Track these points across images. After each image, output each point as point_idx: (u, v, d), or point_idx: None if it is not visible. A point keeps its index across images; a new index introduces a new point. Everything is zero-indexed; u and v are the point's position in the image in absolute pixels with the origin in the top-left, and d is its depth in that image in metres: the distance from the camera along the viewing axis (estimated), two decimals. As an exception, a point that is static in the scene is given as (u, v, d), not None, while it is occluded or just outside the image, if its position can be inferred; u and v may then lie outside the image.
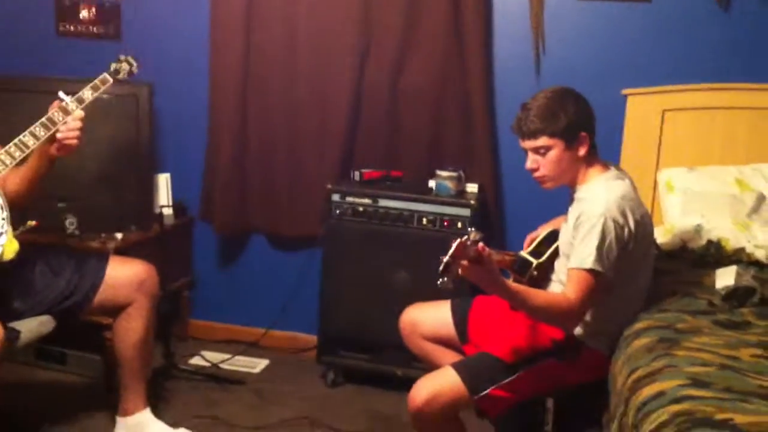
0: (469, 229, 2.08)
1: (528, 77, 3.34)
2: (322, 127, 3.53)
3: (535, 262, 2.48)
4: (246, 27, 3.52)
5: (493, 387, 2.29)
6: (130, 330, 2.75)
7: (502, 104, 3.38)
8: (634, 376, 2.00)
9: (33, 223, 2.87)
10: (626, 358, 2.15)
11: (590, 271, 2.23)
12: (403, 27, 3.38)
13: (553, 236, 2.54)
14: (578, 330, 2.36)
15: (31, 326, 2.60)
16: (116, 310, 2.75)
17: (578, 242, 2.28)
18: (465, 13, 3.31)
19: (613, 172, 2.41)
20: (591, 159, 2.40)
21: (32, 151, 2.51)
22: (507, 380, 2.30)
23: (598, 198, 2.30)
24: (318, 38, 3.48)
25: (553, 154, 2.35)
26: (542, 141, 2.34)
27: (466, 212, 3.17)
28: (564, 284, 2.33)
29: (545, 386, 2.41)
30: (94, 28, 3.76)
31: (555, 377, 2.37)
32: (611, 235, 2.25)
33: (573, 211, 2.39)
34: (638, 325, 2.29)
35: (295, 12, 3.48)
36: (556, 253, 2.50)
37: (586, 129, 2.36)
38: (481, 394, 2.28)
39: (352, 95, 3.46)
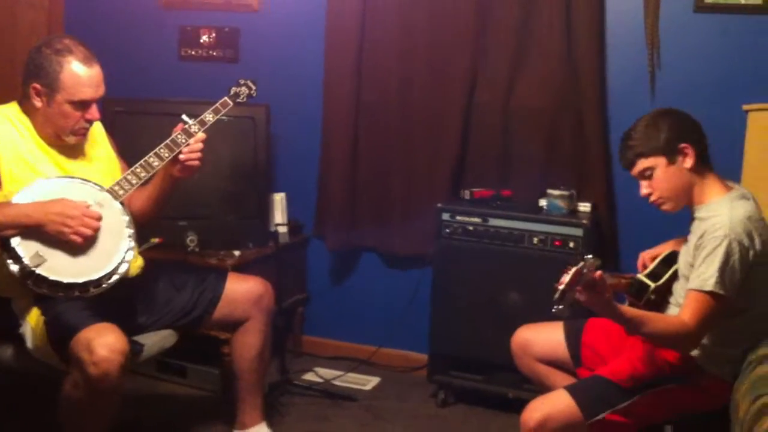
0: (586, 256, 2.05)
1: (643, 93, 3.27)
2: (433, 147, 3.55)
3: (652, 285, 2.42)
4: (359, 51, 3.59)
5: (608, 411, 2.24)
6: (248, 345, 2.82)
7: (616, 121, 3.31)
8: (759, 403, 1.92)
9: (157, 240, 3.01)
10: (750, 385, 2.06)
11: (711, 293, 2.16)
12: (516, 46, 3.38)
13: (672, 258, 2.47)
14: (697, 354, 2.28)
15: (154, 340, 2.70)
16: (234, 325, 2.83)
17: (699, 263, 2.21)
18: (578, 31, 3.28)
19: (736, 191, 2.33)
20: (705, 174, 2.33)
21: (157, 171, 2.63)
22: (623, 405, 2.25)
23: (721, 218, 2.23)
24: (430, 59, 3.51)
25: (658, 173, 2.31)
26: (643, 164, 2.32)
27: (578, 232, 3.11)
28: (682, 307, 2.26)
29: (662, 412, 2.33)
30: (214, 52, 3.91)
31: (673, 403, 2.30)
32: (735, 257, 2.17)
33: (694, 231, 2.32)
34: (763, 351, 2.20)
35: (409, 35, 3.53)
36: (674, 276, 2.43)
37: (687, 140, 2.30)
38: (596, 418, 2.23)
39: (464, 115, 3.47)
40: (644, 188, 2.36)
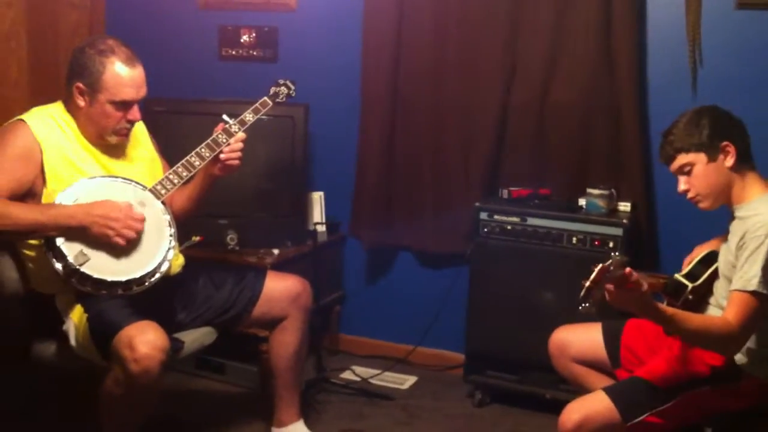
0: (613, 253, 2.04)
1: (684, 91, 3.22)
2: (469, 145, 3.55)
3: (690, 285, 2.40)
4: (396, 50, 3.59)
5: (647, 413, 2.22)
6: (286, 343, 2.84)
7: (656, 119, 3.27)
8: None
9: (197, 238, 3.04)
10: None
11: (755, 293, 2.13)
12: (551, 43, 3.36)
13: (711, 258, 2.44)
14: (739, 356, 2.25)
15: (194, 337, 2.73)
16: (272, 323, 2.85)
17: (742, 263, 2.18)
18: (616, 26, 3.24)
19: (777, 190, 2.30)
20: (746, 173, 2.31)
21: (198, 170, 2.67)
22: (662, 407, 2.23)
23: (763, 216, 2.19)
24: (465, 57, 3.50)
25: (698, 170, 2.29)
26: (682, 159, 2.30)
27: (618, 231, 3.09)
28: (723, 308, 2.24)
29: (702, 414, 2.31)
30: (254, 52, 3.94)
31: (712, 405, 2.27)
32: (778, 256, 2.14)
33: (734, 230, 2.29)
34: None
35: (444, 34, 3.52)
36: (714, 276, 2.40)
37: (729, 138, 2.28)
38: (635, 420, 2.22)
39: (500, 113, 3.46)
40: (682, 184, 2.34)
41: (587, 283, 1.94)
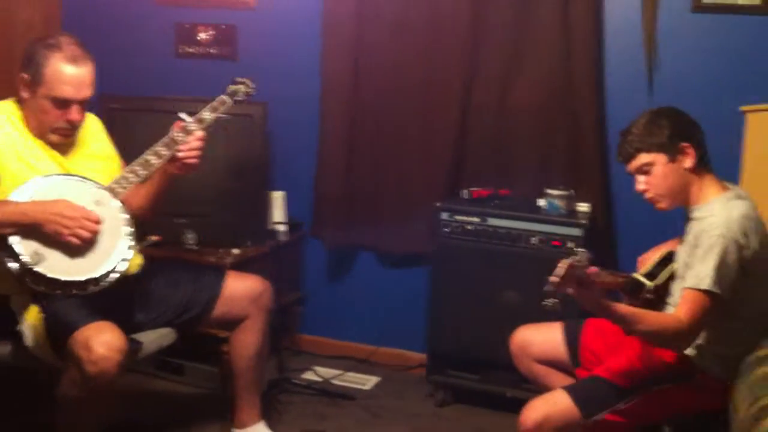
0: (577, 249, 2.06)
1: (641, 93, 3.26)
2: (430, 146, 3.55)
3: (649, 284, 2.42)
4: (356, 48, 3.58)
5: (606, 411, 2.24)
6: (246, 343, 2.82)
7: (613, 121, 3.30)
8: (759, 404, 1.93)
9: (155, 238, 3.00)
10: (749, 386, 2.07)
11: (706, 292, 2.16)
12: (511, 45, 3.38)
13: (670, 258, 2.47)
14: (692, 352, 2.29)
15: (153, 338, 2.70)
16: (232, 323, 2.83)
17: (695, 262, 2.21)
18: (574, 30, 3.27)
19: (732, 191, 2.33)
20: (703, 174, 2.34)
21: (155, 169, 2.63)
22: (621, 405, 2.25)
23: (717, 217, 2.23)
24: (427, 58, 3.51)
25: (657, 170, 2.31)
26: (642, 158, 2.32)
27: (577, 232, 3.12)
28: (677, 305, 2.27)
29: (660, 411, 2.34)
30: (212, 50, 3.89)
31: (670, 402, 2.30)
32: (731, 256, 2.18)
33: (690, 231, 2.32)
34: (762, 352, 2.20)
35: (404, 33, 3.52)
36: (672, 276, 2.43)
37: (688, 140, 2.31)
38: (595, 417, 2.24)
39: (460, 113, 3.47)
40: (640, 184, 2.36)
41: (552, 278, 1.95)
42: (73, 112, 2.52)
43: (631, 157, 2.34)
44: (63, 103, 2.50)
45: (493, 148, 3.47)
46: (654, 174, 2.32)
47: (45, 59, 2.47)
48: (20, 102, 2.55)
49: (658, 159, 2.31)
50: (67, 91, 2.49)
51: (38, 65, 2.47)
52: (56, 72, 2.47)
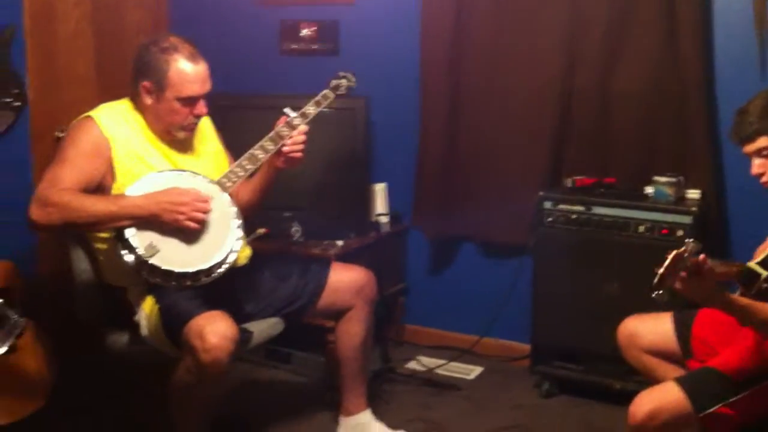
0: (687, 240, 2.00)
1: (751, 76, 3.13)
2: (531, 134, 3.51)
3: (765, 273, 2.33)
4: (455, 40, 3.58)
5: (720, 405, 2.17)
6: (351, 333, 2.86)
7: (723, 105, 3.19)
8: None
9: (263, 230, 3.06)
10: None
11: (823, 284, 2.07)
12: (614, 28, 3.30)
13: (788, 245, 2.37)
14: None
15: (262, 328, 2.76)
16: (338, 313, 2.87)
17: (813, 251, 2.12)
18: (680, 8, 3.17)
19: None
20: None
21: (262, 163, 2.70)
22: (735, 398, 2.17)
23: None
24: (526, 45, 3.47)
25: None
26: (763, 141, 2.22)
27: (686, 219, 3.02)
28: (798, 298, 2.18)
29: (772, 405, 2.26)
30: (314, 46, 3.96)
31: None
32: None
33: (808, 218, 2.23)
34: None
35: (503, 21, 3.50)
36: (789, 265, 2.33)
37: None
38: (707, 411, 2.17)
39: (562, 101, 3.42)
40: (757, 167, 2.26)
41: (661, 270, 1.90)
42: (200, 107, 2.62)
43: (749, 140, 2.25)
44: (190, 101, 2.59)
45: (596, 135, 3.40)
46: None
47: (166, 63, 2.55)
48: (139, 105, 2.64)
49: None
50: (194, 89, 2.58)
51: (160, 70, 2.55)
52: (180, 73, 2.56)
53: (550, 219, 3.24)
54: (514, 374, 3.57)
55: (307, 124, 2.75)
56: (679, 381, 2.23)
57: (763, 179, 2.27)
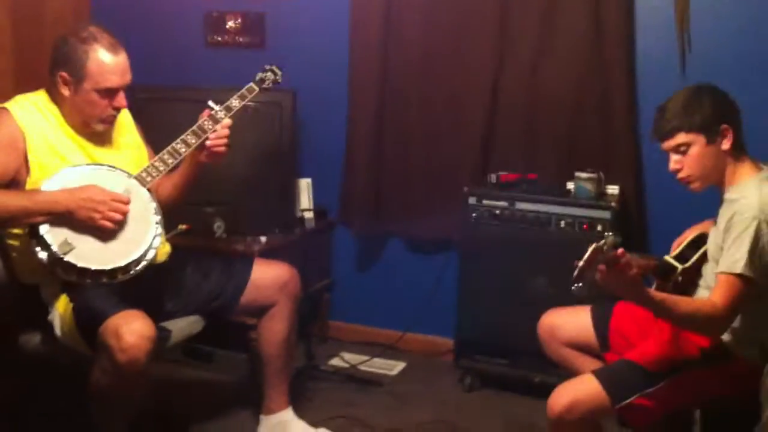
0: (606, 233, 2.03)
1: (672, 76, 3.21)
2: (458, 131, 3.54)
3: (680, 267, 2.39)
4: (385, 34, 3.58)
5: (636, 396, 2.22)
6: (274, 330, 2.83)
7: (644, 104, 3.26)
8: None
9: (184, 226, 3.02)
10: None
11: (740, 276, 2.13)
12: (540, 26, 3.35)
13: (701, 240, 2.44)
14: (727, 337, 2.25)
15: (182, 326, 2.72)
16: (261, 310, 2.84)
17: (728, 245, 2.18)
18: (605, 9, 3.24)
19: (766, 171, 2.29)
20: (739, 156, 2.29)
21: (183, 158, 2.64)
22: (651, 389, 2.22)
23: (751, 199, 2.19)
24: (455, 43, 3.49)
25: (694, 150, 2.26)
26: (681, 138, 2.26)
27: (606, 215, 3.09)
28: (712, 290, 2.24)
29: (692, 397, 2.31)
30: (240, 38, 3.90)
31: (701, 387, 2.27)
32: (765, 238, 2.14)
33: (723, 213, 2.28)
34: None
35: (434, 17, 3.51)
36: (703, 258, 2.40)
37: (728, 121, 2.26)
38: (624, 402, 2.21)
39: (489, 98, 3.45)
40: (675, 163, 2.31)
41: (581, 264, 1.93)
42: (120, 99, 2.56)
43: (668, 136, 2.29)
44: (110, 93, 2.52)
45: (521, 132, 3.45)
46: (690, 154, 2.27)
47: (85, 54, 2.47)
48: (55, 97, 2.56)
49: (697, 140, 2.26)
50: (113, 80, 2.51)
51: (78, 61, 2.48)
52: (99, 64, 2.48)
53: (475, 215, 3.27)
54: (437, 369, 3.59)
55: (232, 117, 2.70)
56: (597, 373, 2.27)
57: (680, 175, 2.32)
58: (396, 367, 3.64)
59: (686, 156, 2.28)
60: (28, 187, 2.47)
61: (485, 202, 3.26)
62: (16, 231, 2.48)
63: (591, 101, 3.33)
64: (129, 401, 2.47)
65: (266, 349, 2.86)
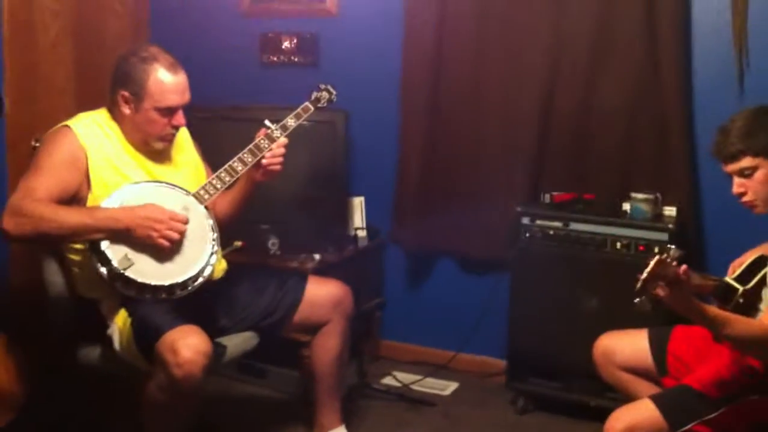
0: (669, 246, 2.00)
1: (730, 95, 3.16)
2: (511, 150, 3.52)
3: (741, 288, 2.35)
4: (437, 54, 3.58)
5: (695, 422, 2.17)
6: (327, 347, 2.84)
7: (701, 123, 3.22)
8: None
9: (239, 243, 3.06)
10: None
11: (797, 299, 2.09)
12: (594, 45, 3.32)
13: (762, 262, 2.39)
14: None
15: (236, 342, 2.74)
16: (314, 328, 2.85)
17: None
18: (661, 28, 3.20)
19: (829, 196, 2.24)
20: None
21: (240, 175, 2.68)
22: (710, 416, 2.18)
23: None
24: (507, 62, 3.48)
25: (760, 174, 2.22)
26: (746, 162, 2.23)
27: (663, 236, 3.04)
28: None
29: (747, 422, 2.25)
30: (295, 58, 3.95)
31: (759, 414, 2.22)
32: (826, 264, 2.09)
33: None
34: None
35: (485, 36, 3.51)
36: (763, 281, 2.35)
37: None
38: (682, 429, 2.17)
39: (541, 117, 3.43)
40: (738, 187, 2.27)
41: (643, 275, 1.91)
42: (179, 117, 2.61)
43: (732, 159, 2.25)
44: (169, 111, 2.58)
45: (575, 152, 3.42)
46: (755, 178, 2.23)
47: (145, 73, 2.53)
48: (116, 115, 2.61)
49: (763, 164, 2.21)
50: (172, 99, 2.56)
51: (139, 80, 2.53)
52: (159, 83, 2.54)
53: (527, 235, 3.25)
54: (489, 390, 3.56)
55: (287, 136, 2.74)
56: (655, 398, 2.23)
57: (744, 198, 2.28)
58: (448, 387, 3.61)
59: (751, 179, 2.24)
60: (89, 203, 2.52)
61: (538, 222, 3.23)
62: (77, 246, 2.54)
63: (646, 120, 3.29)
64: (181, 416, 2.50)
65: (319, 367, 2.87)
